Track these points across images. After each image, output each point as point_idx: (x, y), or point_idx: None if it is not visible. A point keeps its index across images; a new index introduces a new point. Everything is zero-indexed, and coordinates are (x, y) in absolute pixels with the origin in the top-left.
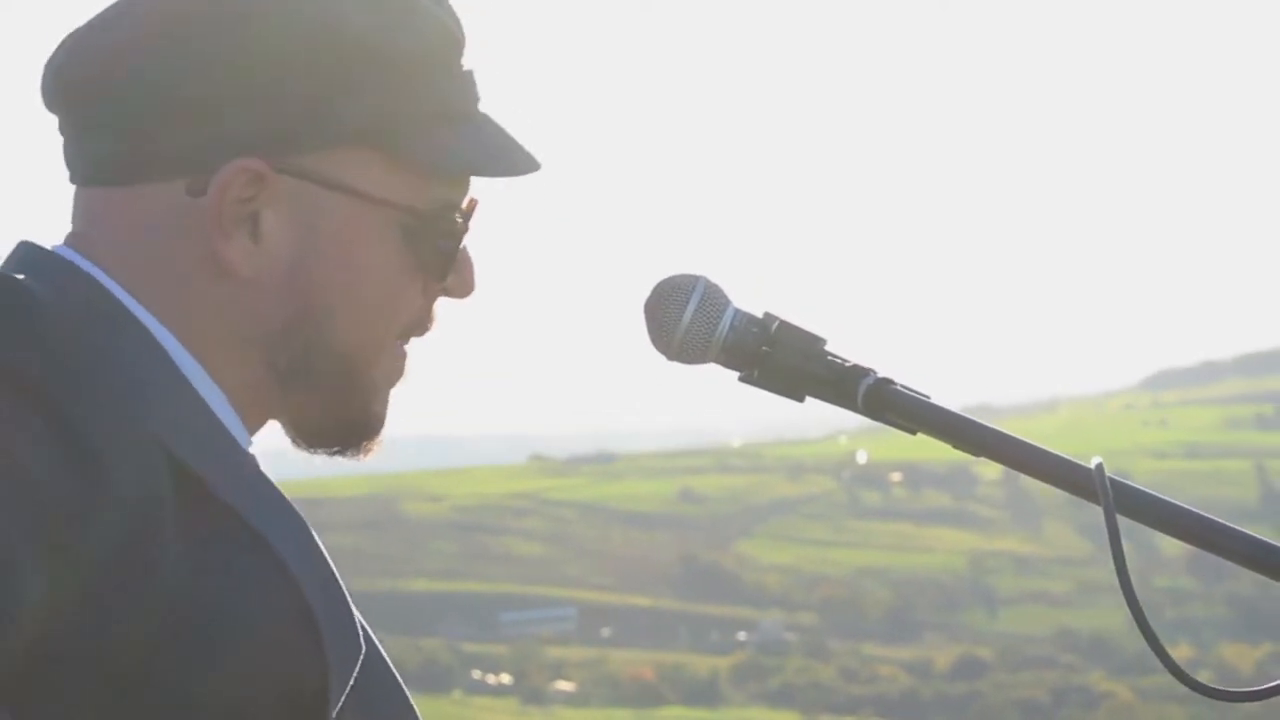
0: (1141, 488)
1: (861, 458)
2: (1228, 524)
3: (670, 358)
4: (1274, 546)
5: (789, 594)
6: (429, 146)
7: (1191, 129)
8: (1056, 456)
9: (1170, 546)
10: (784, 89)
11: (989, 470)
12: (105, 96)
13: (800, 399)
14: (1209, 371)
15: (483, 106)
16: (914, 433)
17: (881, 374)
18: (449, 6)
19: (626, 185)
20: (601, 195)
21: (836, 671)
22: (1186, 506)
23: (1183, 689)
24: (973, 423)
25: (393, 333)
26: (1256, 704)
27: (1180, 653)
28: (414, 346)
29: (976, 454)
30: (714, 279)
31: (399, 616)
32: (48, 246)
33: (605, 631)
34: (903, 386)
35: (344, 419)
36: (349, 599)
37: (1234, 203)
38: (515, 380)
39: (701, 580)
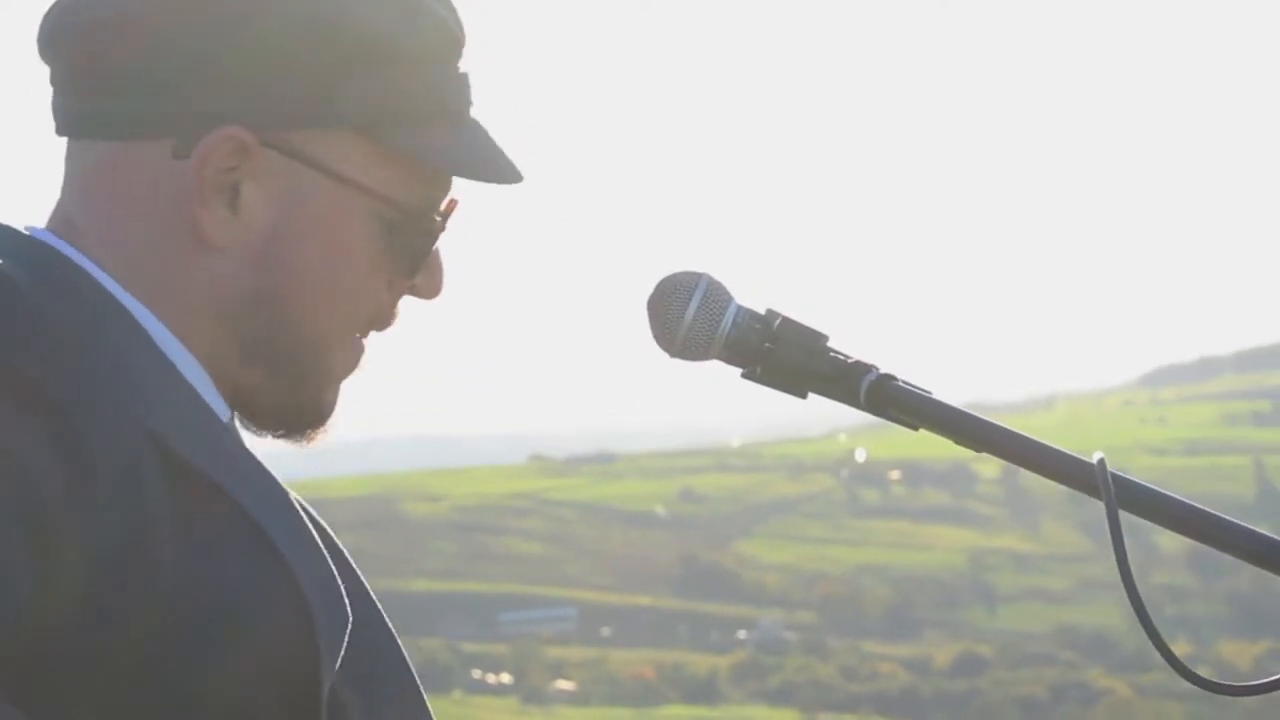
0: (1143, 482)
1: (860, 456)
2: (1229, 518)
3: (673, 355)
4: (1275, 541)
5: (789, 592)
6: (416, 141)
7: (1189, 125)
8: (1058, 452)
9: (1169, 543)
10: (783, 87)
11: (988, 468)
12: (102, 49)
13: (803, 395)
14: (1207, 368)
15: (475, 113)
16: (916, 428)
17: (883, 370)
18: (452, 7)
19: (625, 183)
20: (600, 193)
21: (836, 669)
22: (1188, 501)
23: (1182, 685)
24: (974, 418)
25: (354, 323)
26: (1256, 700)
27: (1179, 649)
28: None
29: (978, 449)
30: (716, 276)
31: (399, 616)
32: (24, 230)
33: (605, 631)
34: (904, 382)
35: (294, 403)
36: (335, 573)
37: (1232, 199)
38: (515, 380)
39: (701, 579)
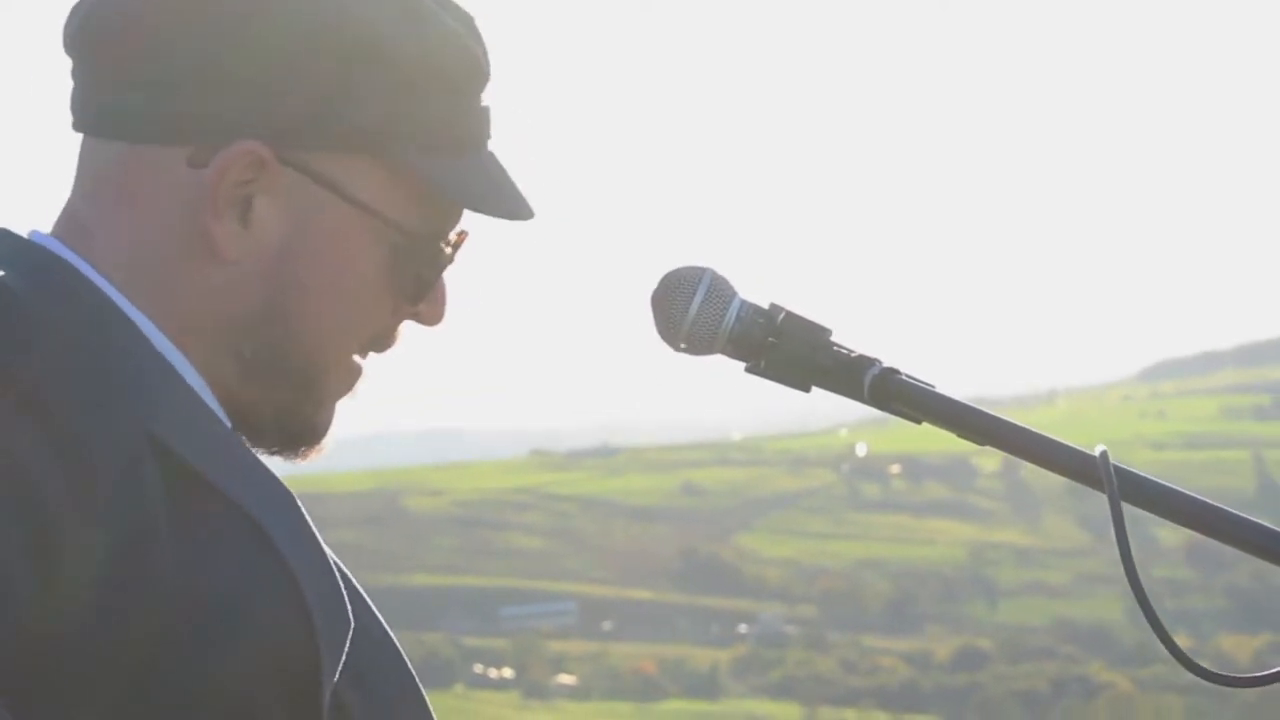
0: (1145, 475)
1: (861, 450)
2: (1232, 510)
3: (677, 349)
4: (1277, 533)
5: (789, 586)
6: (432, 170)
7: (1189, 120)
8: (1061, 445)
9: (1169, 537)
10: (784, 83)
11: (988, 462)
12: (125, 47)
13: (806, 389)
14: (1207, 362)
15: (494, 145)
16: (919, 422)
17: (887, 364)
18: (482, 41)
19: (627, 178)
20: (599, 189)
21: (837, 663)
22: (1190, 493)
23: (1182, 679)
24: (978, 411)
25: (355, 344)
26: (1254, 693)
27: (1178, 643)
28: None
29: (982, 443)
30: (720, 271)
31: (400, 611)
32: (25, 235)
33: (606, 625)
34: (908, 376)
35: (291, 421)
36: (337, 575)
37: (1232, 194)
38: (516, 375)
39: (702, 573)
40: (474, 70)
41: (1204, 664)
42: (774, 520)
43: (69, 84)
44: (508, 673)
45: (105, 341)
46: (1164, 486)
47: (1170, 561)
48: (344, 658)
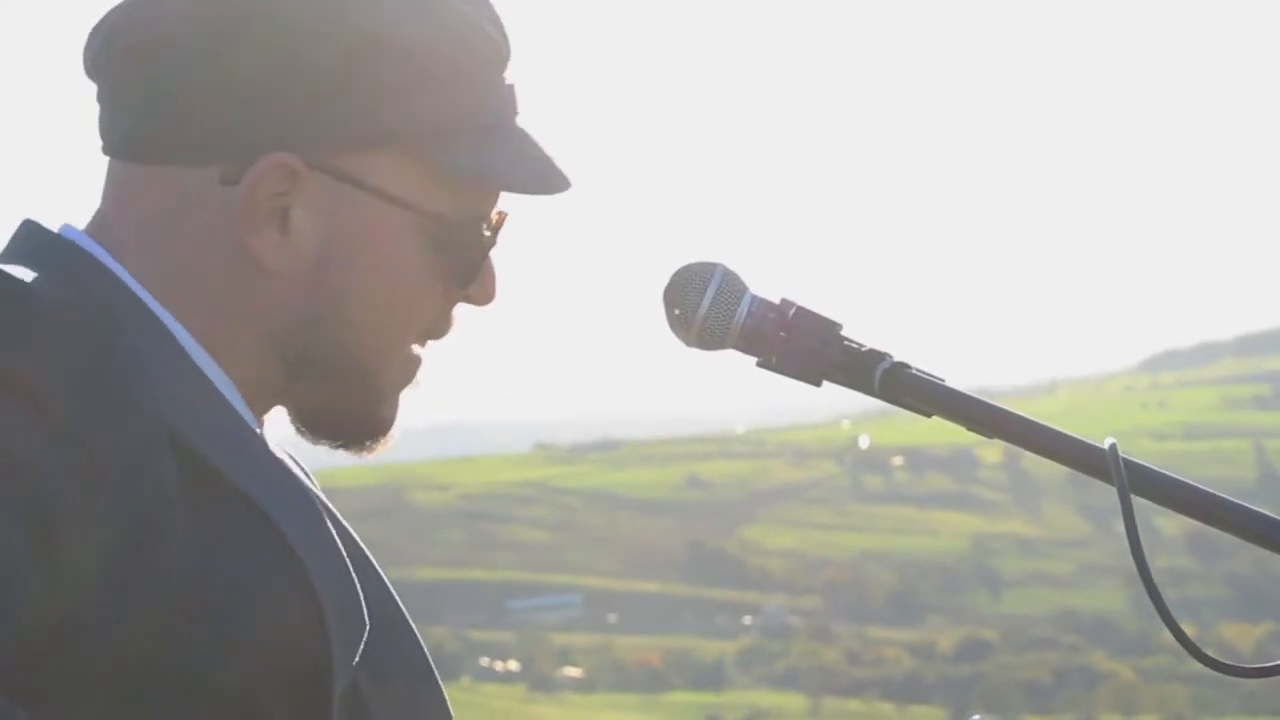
0: (1154, 467)
1: (864, 442)
2: (1239, 501)
3: (689, 345)
4: (1279, 521)
5: (793, 578)
6: (463, 157)
7: (1189, 111)
8: (1069, 437)
9: (1171, 527)
10: (792, 78)
11: (990, 453)
12: (149, 72)
13: (817, 383)
14: (1207, 353)
15: (523, 120)
16: (929, 415)
17: (897, 358)
18: (497, 19)
19: (630, 172)
20: (605, 182)
21: (841, 654)
22: (1198, 485)
23: (1185, 669)
24: (987, 405)
25: (409, 337)
26: (1257, 683)
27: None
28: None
29: (990, 436)
30: (730, 266)
31: (406, 605)
32: (53, 228)
33: (611, 617)
34: (918, 370)
35: (351, 417)
36: (354, 578)
37: (1231, 185)
38: (520, 368)
39: (706, 565)
40: (490, 50)
41: (1209, 653)
42: (778, 512)
43: (95, 109)
44: (513, 665)
45: (129, 340)
46: (1170, 478)
47: (1172, 551)
48: (360, 653)
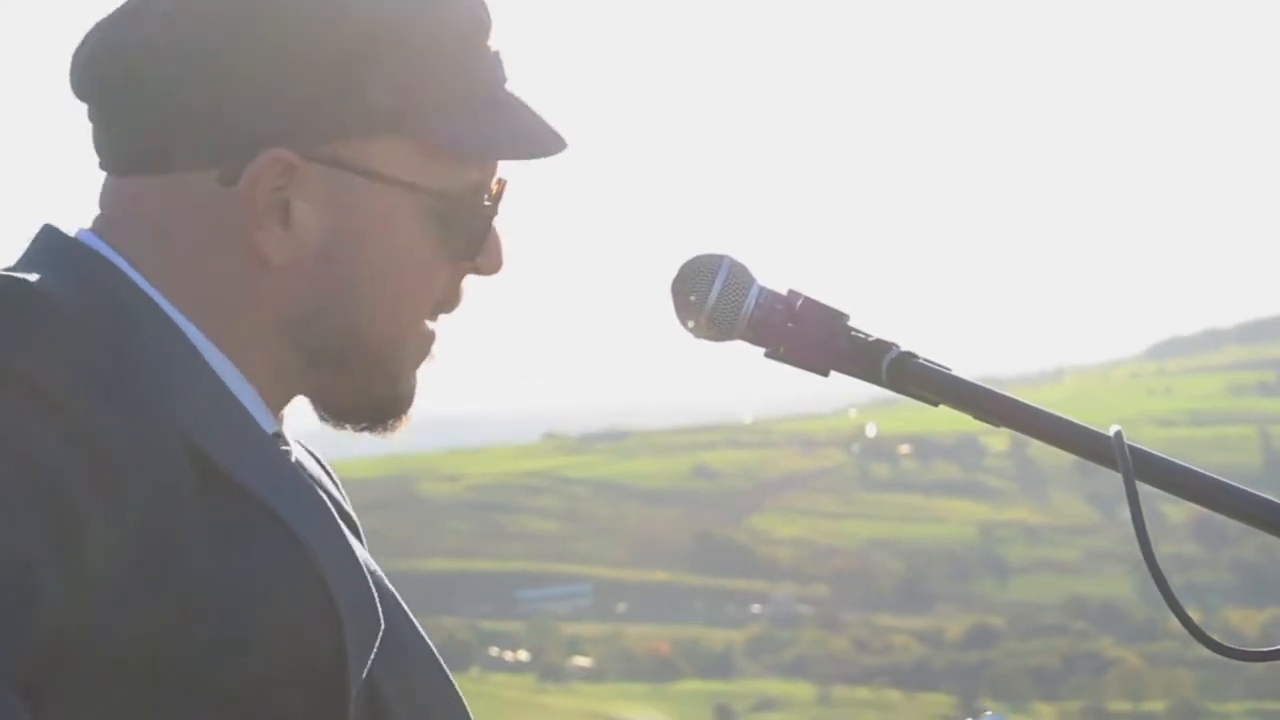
0: (1159, 454)
1: (871, 431)
2: (1244, 487)
3: (697, 335)
4: None
5: (801, 566)
6: (454, 130)
7: (1192, 99)
8: (1076, 425)
9: (1176, 513)
10: (798, 68)
11: (997, 441)
12: (137, 87)
13: (825, 373)
14: (1212, 339)
15: (511, 85)
16: (936, 404)
17: (904, 348)
18: None
19: (637, 162)
20: (612, 172)
21: (850, 642)
22: (1203, 471)
23: (1191, 654)
24: (993, 393)
25: (422, 314)
26: (1262, 666)
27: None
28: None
29: (997, 424)
30: (737, 257)
31: (416, 595)
32: (71, 233)
33: (621, 607)
34: (925, 359)
35: (371, 399)
36: (369, 578)
37: (1235, 171)
38: (528, 359)
39: (715, 554)
40: (473, 22)
41: (1214, 637)
42: (786, 501)
43: (88, 126)
44: (523, 655)
45: (142, 342)
46: (1175, 464)
47: (1177, 537)
48: (377, 652)
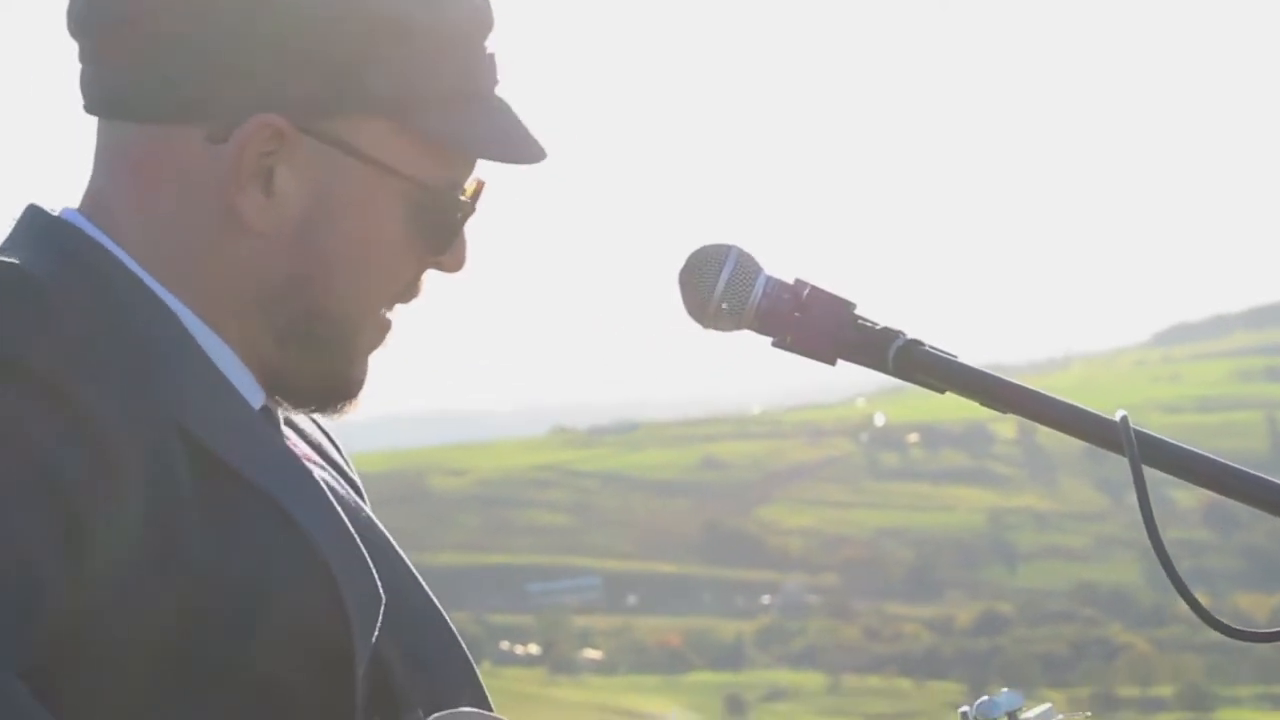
0: (1165, 438)
1: (879, 420)
2: (1251, 471)
3: (705, 326)
4: None
5: (811, 556)
6: (442, 123)
7: (1198, 85)
8: (1082, 410)
9: (1186, 499)
10: (804, 57)
11: (1005, 428)
12: (138, 30)
13: (832, 362)
14: (1219, 325)
15: (502, 91)
16: (943, 392)
17: (910, 336)
18: None
19: (645, 155)
20: (619, 166)
21: (860, 631)
22: (1207, 454)
23: (1200, 639)
24: (1000, 380)
25: (385, 300)
26: (1271, 650)
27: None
28: (430, 318)
29: (1005, 411)
30: (744, 247)
31: None
32: (55, 212)
33: (631, 599)
34: (931, 347)
35: (326, 382)
36: (365, 554)
37: (1241, 157)
38: (535, 353)
39: (724, 545)
40: (473, 20)
41: (1221, 620)
42: (794, 491)
43: (76, 66)
44: (534, 649)
45: (133, 326)
46: (1182, 449)
47: (1187, 523)
48: (389, 627)
